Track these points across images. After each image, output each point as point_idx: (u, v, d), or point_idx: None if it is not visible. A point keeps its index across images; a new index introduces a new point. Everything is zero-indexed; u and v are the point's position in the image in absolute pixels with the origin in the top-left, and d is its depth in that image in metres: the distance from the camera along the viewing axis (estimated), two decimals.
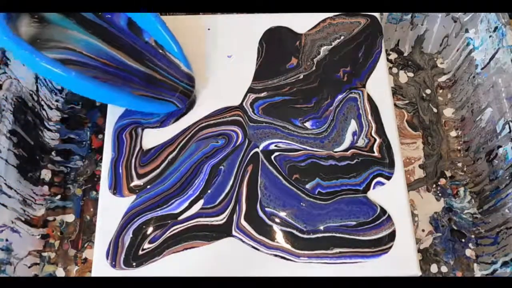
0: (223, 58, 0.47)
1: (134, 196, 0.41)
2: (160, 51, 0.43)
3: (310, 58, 0.47)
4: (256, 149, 0.43)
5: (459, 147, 0.53)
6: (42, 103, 0.52)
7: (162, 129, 0.44)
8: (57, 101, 0.55)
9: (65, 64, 0.37)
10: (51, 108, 0.54)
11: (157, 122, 0.44)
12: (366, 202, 0.40)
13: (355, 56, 0.47)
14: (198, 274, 0.38)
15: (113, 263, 0.38)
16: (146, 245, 0.39)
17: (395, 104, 0.54)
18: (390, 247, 0.39)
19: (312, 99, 0.45)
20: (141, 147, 0.43)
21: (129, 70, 0.42)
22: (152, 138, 0.43)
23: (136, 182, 0.41)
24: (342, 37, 0.48)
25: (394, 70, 0.58)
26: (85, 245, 0.48)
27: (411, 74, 0.57)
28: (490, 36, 0.48)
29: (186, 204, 0.40)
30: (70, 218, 0.50)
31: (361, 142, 0.43)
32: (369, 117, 0.44)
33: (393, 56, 0.58)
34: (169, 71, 0.43)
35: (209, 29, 0.48)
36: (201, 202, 0.40)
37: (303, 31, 0.48)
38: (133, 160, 0.42)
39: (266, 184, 0.41)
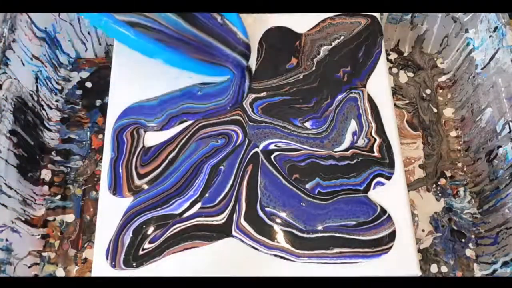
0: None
1: (134, 195, 0.41)
2: (219, 18, 0.45)
3: (310, 58, 0.47)
4: (256, 149, 0.43)
5: (459, 147, 0.53)
6: (42, 103, 0.52)
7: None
8: (57, 101, 0.55)
9: (134, 26, 0.40)
10: (51, 108, 0.54)
11: (159, 125, 0.44)
12: (366, 201, 0.40)
13: (355, 56, 0.47)
14: (198, 274, 0.38)
15: (113, 263, 0.38)
16: (146, 245, 0.39)
17: (395, 104, 0.54)
18: (390, 247, 0.39)
19: (312, 99, 0.45)
20: (143, 147, 0.43)
21: (189, 35, 0.44)
22: (152, 136, 0.43)
23: (136, 182, 0.41)
24: (342, 37, 0.48)
25: (394, 70, 0.58)
26: (85, 245, 0.48)
27: (411, 74, 0.57)
28: (490, 36, 0.48)
29: (187, 205, 0.40)
30: (70, 218, 0.50)
31: (361, 142, 0.43)
32: (369, 117, 0.44)
33: (393, 56, 0.58)
34: (226, 37, 0.45)
35: None
36: (202, 203, 0.40)
37: (303, 31, 0.48)
38: (134, 160, 0.42)
39: (266, 184, 0.41)
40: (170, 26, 0.43)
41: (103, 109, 0.54)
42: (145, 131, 0.43)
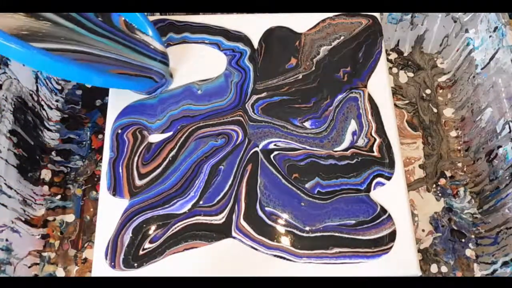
0: (222, 58, 0.47)
1: (134, 196, 0.41)
2: (133, 32, 0.44)
3: (310, 58, 0.47)
4: (256, 148, 0.43)
5: (459, 147, 0.53)
6: (42, 103, 0.52)
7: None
8: (57, 101, 0.55)
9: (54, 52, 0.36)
10: (51, 108, 0.54)
11: (160, 128, 0.44)
12: (366, 200, 0.40)
13: (355, 56, 0.47)
14: (198, 274, 0.38)
15: (112, 263, 0.38)
16: (147, 245, 0.39)
17: (395, 104, 0.54)
18: (391, 248, 0.39)
19: (311, 99, 0.45)
20: (145, 146, 0.43)
21: (107, 50, 0.42)
22: (151, 136, 0.43)
23: (137, 182, 0.41)
24: (342, 37, 0.48)
25: (394, 70, 0.58)
26: (85, 245, 0.48)
27: (411, 74, 0.57)
28: (490, 36, 0.48)
29: (188, 206, 0.40)
30: (70, 218, 0.50)
31: (361, 142, 0.43)
32: (369, 116, 0.44)
33: (393, 56, 0.58)
34: (143, 52, 0.44)
35: None
36: (201, 203, 0.40)
37: (303, 31, 0.48)
38: (136, 159, 0.42)
39: (265, 184, 0.41)
40: (87, 42, 0.40)
41: (103, 109, 0.54)
42: (149, 134, 0.43)
